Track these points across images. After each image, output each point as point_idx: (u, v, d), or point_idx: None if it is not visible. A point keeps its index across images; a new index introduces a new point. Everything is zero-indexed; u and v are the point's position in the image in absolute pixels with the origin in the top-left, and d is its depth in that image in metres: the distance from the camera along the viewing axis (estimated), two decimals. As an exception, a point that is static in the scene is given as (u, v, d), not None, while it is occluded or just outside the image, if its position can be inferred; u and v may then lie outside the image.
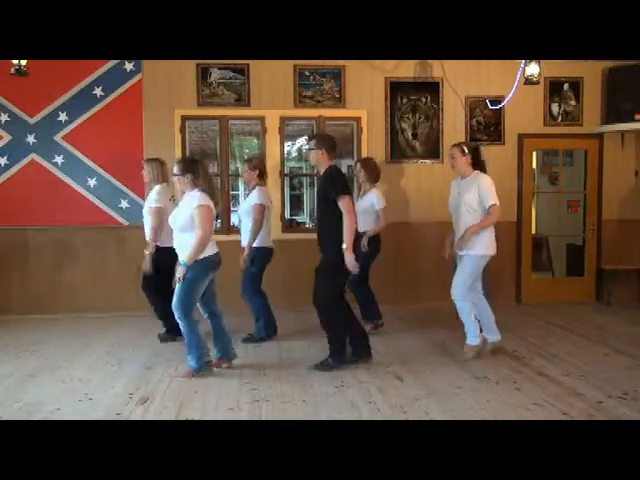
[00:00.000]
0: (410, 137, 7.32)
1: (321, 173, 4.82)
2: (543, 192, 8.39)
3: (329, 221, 4.62)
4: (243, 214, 5.70)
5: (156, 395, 4.20)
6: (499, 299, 7.35)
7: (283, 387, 4.36)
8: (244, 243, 5.57)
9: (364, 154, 7.09)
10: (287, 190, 9.03)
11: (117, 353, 5.32)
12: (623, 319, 6.59)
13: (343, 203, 4.53)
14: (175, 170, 4.55)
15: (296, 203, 12.53)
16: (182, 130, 6.98)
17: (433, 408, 3.92)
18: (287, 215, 8.34)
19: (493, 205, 4.91)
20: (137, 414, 3.85)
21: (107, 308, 6.84)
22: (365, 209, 5.83)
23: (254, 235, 5.48)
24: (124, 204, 6.89)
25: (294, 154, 11.44)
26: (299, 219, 11.07)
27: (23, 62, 5.52)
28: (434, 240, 7.26)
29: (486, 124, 7.37)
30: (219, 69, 6.96)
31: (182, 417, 3.80)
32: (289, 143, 9.57)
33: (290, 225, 7.66)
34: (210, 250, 4.48)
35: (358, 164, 6.18)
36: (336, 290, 4.72)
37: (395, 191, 6.96)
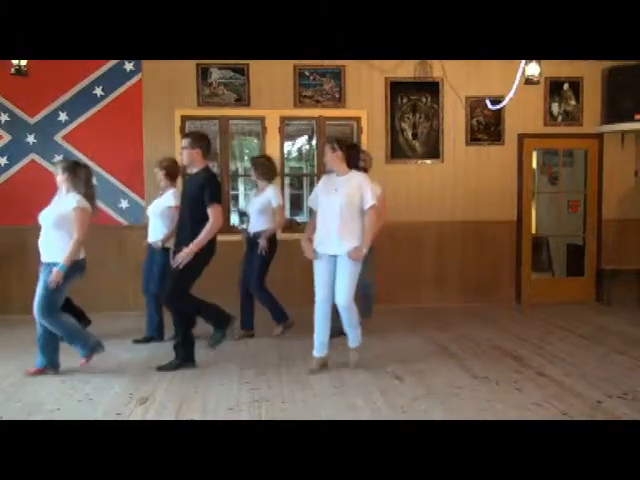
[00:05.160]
0: (410, 137, 7.32)
1: (193, 172, 4.76)
2: (543, 192, 8.38)
3: (198, 221, 4.56)
4: (155, 215, 5.61)
5: (156, 395, 4.20)
6: (499, 299, 7.39)
7: (283, 387, 4.36)
8: (151, 240, 5.57)
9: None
10: (287, 190, 9.03)
11: (117, 353, 5.32)
12: (623, 319, 6.59)
13: (214, 212, 4.54)
14: (58, 167, 4.72)
15: (296, 203, 12.52)
16: (182, 130, 6.98)
17: (433, 408, 3.92)
18: (287, 215, 8.34)
19: (373, 206, 4.56)
20: (137, 414, 3.85)
21: (107, 308, 6.84)
22: (262, 207, 5.73)
23: (168, 236, 5.43)
24: (124, 204, 6.89)
25: (294, 154, 11.44)
26: (299, 219, 11.06)
27: (23, 62, 5.52)
28: (434, 240, 7.29)
29: (486, 124, 7.37)
30: (219, 69, 6.97)
31: (182, 417, 3.79)
32: (289, 143, 9.58)
33: (290, 225, 7.65)
34: (81, 254, 4.63)
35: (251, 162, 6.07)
36: (190, 287, 4.71)
37: (395, 191, 6.94)
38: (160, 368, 4.74)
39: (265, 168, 5.87)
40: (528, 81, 6.28)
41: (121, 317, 6.67)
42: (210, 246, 4.65)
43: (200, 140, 4.71)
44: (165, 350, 5.07)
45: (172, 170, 5.71)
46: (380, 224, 4.98)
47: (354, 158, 4.80)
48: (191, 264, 4.57)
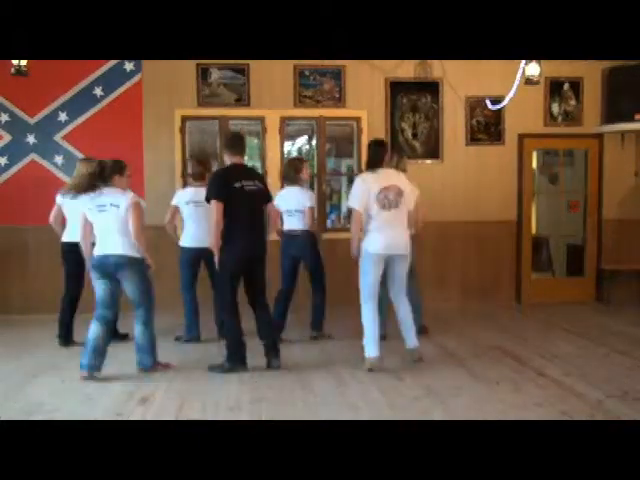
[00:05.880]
0: (410, 137, 7.32)
1: None
2: (543, 192, 8.38)
3: None
4: None
5: (156, 395, 4.20)
6: (499, 299, 7.39)
7: (283, 387, 4.36)
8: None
9: (364, 154, 7.08)
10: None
11: (117, 353, 5.31)
12: (623, 319, 6.59)
13: (211, 208, 4.60)
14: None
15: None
16: (182, 130, 6.99)
17: (433, 408, 3.92)
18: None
19: (350, 208, 4.76)
20: (137, 414, 3.85)
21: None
22: None
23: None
24: (124, 204, 6.88)
25: (294, 154, 11.45)
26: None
27: (23, 62, 5.52)
28: (434, 240, 7.28)
29: (486, 124, 7.37)
30: (219, 69, 6.96)
31: (182, 417, 3.79)
32: (289, 143, 9.58)
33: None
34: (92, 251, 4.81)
35: None
36: (228, 289, 4.65)
37: (395, 191, 6.95)
38: (211, 369, 4.72)
39: (284, 171, 6.09)
40: (528, 81, 6.28)
41: (125, 317, 6.66)
42: (229, 245, 4.56)
43: (225, 141, 4.85)
44: (166, 350, 5.07)
45: (192, 169, 5.85)
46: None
47: (369, 157, 4.88)
48: (219, 265, 4.62)
